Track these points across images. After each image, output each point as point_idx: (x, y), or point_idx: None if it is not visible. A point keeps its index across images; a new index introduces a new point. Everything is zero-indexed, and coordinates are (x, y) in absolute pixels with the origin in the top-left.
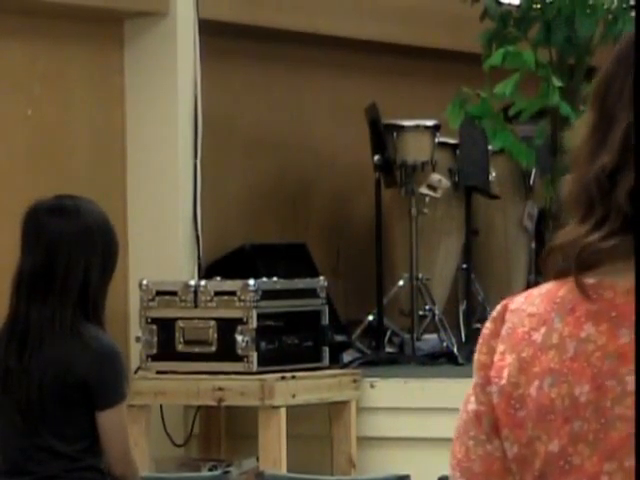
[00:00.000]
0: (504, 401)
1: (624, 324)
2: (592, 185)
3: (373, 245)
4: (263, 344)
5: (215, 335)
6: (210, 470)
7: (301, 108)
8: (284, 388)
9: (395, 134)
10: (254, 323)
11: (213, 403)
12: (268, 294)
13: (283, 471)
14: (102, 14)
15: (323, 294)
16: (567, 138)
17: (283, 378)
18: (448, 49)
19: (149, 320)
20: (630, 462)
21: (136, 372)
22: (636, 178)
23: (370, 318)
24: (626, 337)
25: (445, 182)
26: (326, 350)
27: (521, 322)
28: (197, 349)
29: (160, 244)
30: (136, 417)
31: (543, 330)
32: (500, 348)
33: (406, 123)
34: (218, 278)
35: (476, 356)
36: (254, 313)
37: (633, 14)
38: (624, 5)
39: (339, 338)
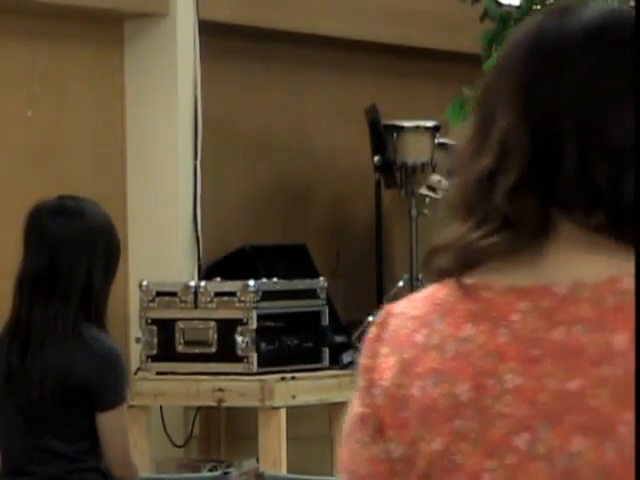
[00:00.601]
0: (388, 402)
1: (503, 323)
2: (472, 187)
3: (373, 246)
4: (263, 345)
5: (215, 336)
6: (210, 471)
7: (301, 109)
8: (284, 389)
9: (395, 135)
10: (254, 324)
11: (213, 404)
12: (268, 295)
13: (283, 472)
14: (102, 15)
15: (323, 295)
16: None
17: (283, 379)
18: (448, 50)
19: (149, 321)
20: (510, 459)
21: (136, 373)
22: (636, 178)
23: (370, 319)
24: (505, 336)
25: (445, 183)
26: (326, 351)
27: (404, 325)
28: (197, 350)
29: (160, 245)
30: (136, 418)
31: (425, 331)
32: (384, 351)
33: (406, 124)
34: (218, 279)
35: (360, 360)
36: (254, 314)
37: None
38: (624, 6)
39: (339, 339)
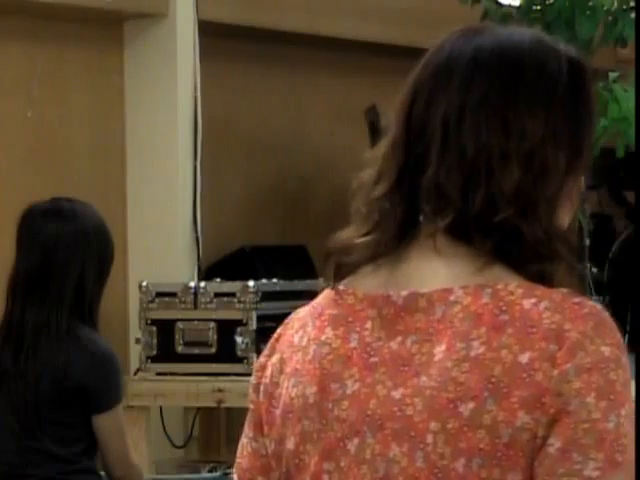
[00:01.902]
0: (266, 399)
1: (355, 329)
2: (360, 194)
3: None
4: (263, 346)
5: (215, 336)
6: (210, 472)
7: (301, 110)
8: None
9: None
10: (254, 324)
11: (213, 405)
12: (268, 295)
13: None
14: (102, 15)
15: None
16: None
17: None
18: None
19: (149, 321)
20: (345, 462)
21: (136, 374)
22: (636, 178)
23: None
24: (354, 342)
25: None
26: None
27: (292, 325)
28: (197, 350)
29: (160, 245)
30: (136, 419)
31: (300, 333)
32: (278, 349)
33: None
34: (218, 280)
35: (259, 358)
36: (254, 314)
37: (633, 15)
38: (624, 7)
39: None
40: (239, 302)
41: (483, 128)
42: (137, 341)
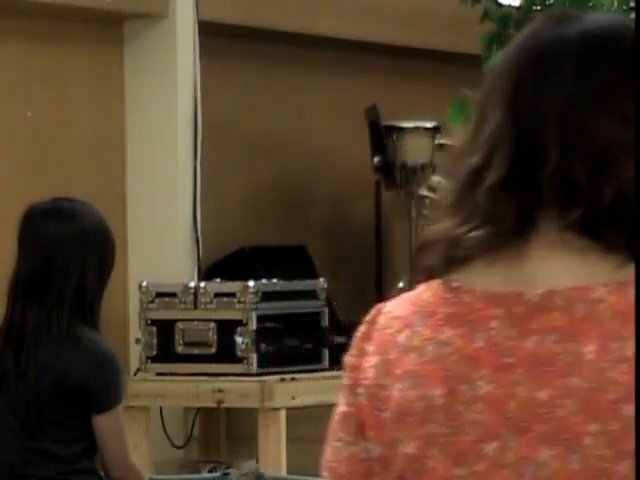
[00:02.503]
0: (370, 402)
1: (479, 328)
2: (460, 185)
3: (373, 247)
4: (263, 346)
5: (215, 337)
6: (210, 472)
7: (301, 110)
8: (284, 390)
9: (395, 136)
10: (254, 325)
11: (213, 405)
12: (268, 296)
13: (283, 473)
14: (102, 15)
15: (323, 296)
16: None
17: (283, 380)
18: (448, 50)
19: (149, 322)
20: (479, 467)
21: (136, 374)
22: (636, 178)
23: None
24: (481, 341)
25: (445, 184)
26: (326, 352)
27: (389, 324)
28: (197, 351)
29: (160, 245)
30: (136, 419)
31: (407, 332)
32: (370, 350)
33: (406, 125)
34: (218, 280)
35: (347, 358)
36: (254, 315)
37: (633, 15)
38: (624, 7)
39: (339, 340)
40: (239, 302)
41: (606, 117)
42: (137, 341)
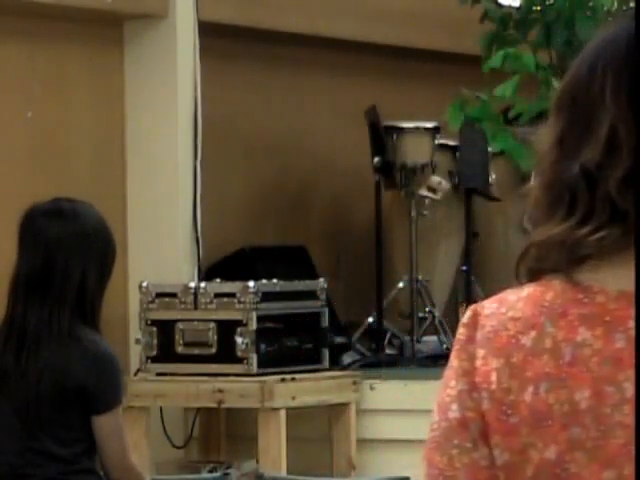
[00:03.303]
0: (495, 407)
1: (618, 329)
2: (575, 181)
3: (373, 247)
4: (263, 346)
5: (215, 337)
6: (210, 472)
7: (301, 110)
8: (284, 390)
9: (395, 136)
10: (254, 325)
11: (213, 405)
12: (268, 296)
13: (283, 473)
14: (102, 16)
15: (323, 296)
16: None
17: (283, 380)
18: (448, 51)
19: (149, 322)
20: (629, 470)
21: (136, 374)
22: (636, 178)
23: (370, 320)
24: (621, 342)
25: (445, 184)
26: (326, 352)
27: (504, 326)
28: (197, 351)
29: (160, 246)
30: (136, 419)
31: (533, 334)
32: (480, 353)
33: (406, 125)
34: (218, 280)
35: (455, 363)
36: (254, 315)
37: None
38: (624, 7)
39: (339, 340)
40: (239, 302)
41: None
42: (137, 341)
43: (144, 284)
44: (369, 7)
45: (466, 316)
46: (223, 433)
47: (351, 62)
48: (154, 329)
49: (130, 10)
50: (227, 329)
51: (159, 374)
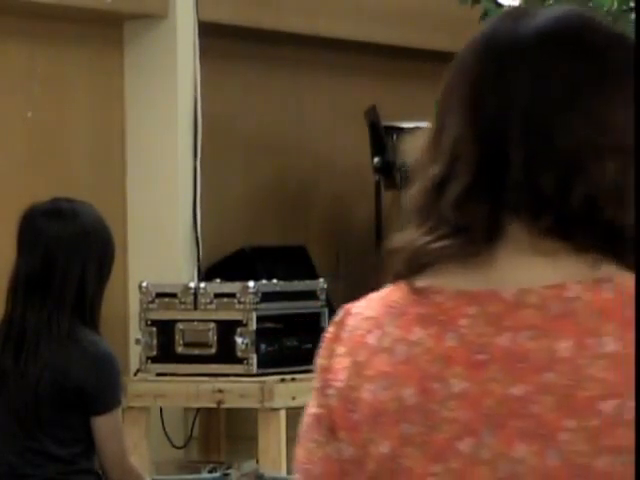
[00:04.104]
0: (341, 404)
1: (450, 328)
2: (424, 194)
3: (373, 247)
4: (263, 346)
5: (215, 337)
6: (210, 472)
7: (301, 110)
8: (284, 390)
9: (395, 136)
10: (254, 325)
11: (213, 405)
12: (268, 296)
13: (283, 473)
14: (101, 16)
15: (323, 296)
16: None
17: (283, 380)
18: (448, 51)
19: (149, 322)
20: (455, 464)
21: (136, 374)
22: (636, 176)
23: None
24: (452, 340)
25: None
26: None
27: (359, 325)
28: (197, 351)
29: (160, 246)
30: (136, 419)
31: (377, 333)
32: (340, 351)
33: (406, 125)
34: (218, 280)
35: (317, 361)
36: (254, 315)
37: (633, 16)
38: (624, 7)
39: None
40: (239, 303)
41: (572, 121)
42: (137, 342)
43: (144, 284)
44: (369, 7)
45: (338, 315)
46: (223, 433)
47: (351, 62)
48: (154, 329)
49: (130, 10)
50: (227, 329)
51: (159, 374)
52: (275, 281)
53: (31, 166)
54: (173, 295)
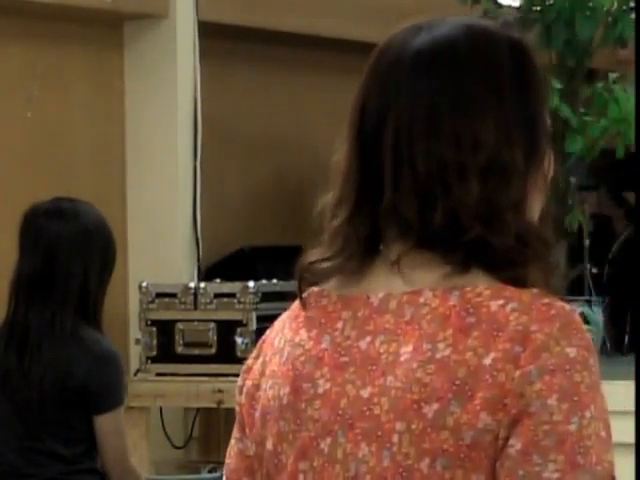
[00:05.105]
0: (248, 402)
1: (327, 330)
2: (327, 214)
3: None
4: None
5: (215, 337)
6: (210, 472)
7: (301, 110)
8: None
9: None
10: (254, 325)
11: (213, 405)
12: (268, 296)
13: None
14: (102, 15)
15: None
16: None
17: None
18: None
19: (149, 322)
20: (318, 461)
21: (136, 374)
22: (636, 178)
23: None
24: (325, 343)
25: None
26: None
27: (275, 327)
28: (197, 351)
29: (160, 246)
30: (136, 419)
31: (280, 336)
32: (263, 352)
33: None
34: (218, 280)
35: (247, 360)
36: (254, 315)
37: (633, 16)
38: (624, 7)
39: None
40: (239, 303)
41: (433, 142)
42: (137, 342)
43: (144, 284)
44: (369, 7)
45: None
46: (223, 433)
47: (351, 62)
48: (154, 329)
49: (130, 10)
50: (227, 329)
51: (159, 374)
52: (275, 281)
53: (31, 166)
54: (173, 295)
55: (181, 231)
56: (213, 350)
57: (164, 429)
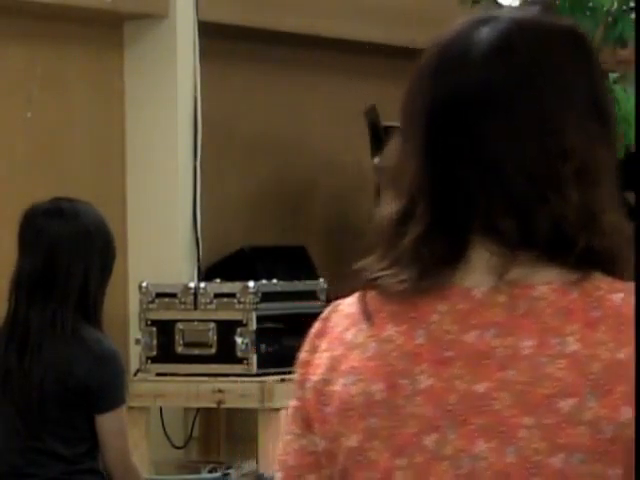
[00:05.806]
0: (315, 397)
1: (421, 325)
2: (385, 228)
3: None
4: (263, 346)
5: (215, 337)
6: (210, 472)
7: (301, 110)
8: (284, 390)
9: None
10: (254, 325)
11: (213, 405)
12: (268, 296)
13: None
14: (102, 15)
15: (323, 296)
16: None
17: (283, 380)
18: None
19: (149, 322)
20: (420, 458)
21: (135, 374)
22: (636, 178)
23: None
24: (421, 338)
25: None
26: None
27: (340, 322)
28: (197, 351)
29: (160, 246)
30: (136, 419)
31: (353, 330)
32: (323, 346)
33: None
34: (218, 280)
35: (300, 354)
36: (254, 315)
37: (633, 16)
38: (624, 7)
39: None
40: (239, 303)
41: (524, 157)
42: (137, 342)
43: (144, 284)
44: (369, 7)
45: (326, 310)
46: (223, 433)
47: (351, 62)
48: (154, 329)
49: (130, 10)
50: (227, 329)
51: (159, 374)
52: (275, 281)
53: (31, 166)
54: (173, 295)
55: (181, 231)
56: (213, 350)
57: (164, 429)
